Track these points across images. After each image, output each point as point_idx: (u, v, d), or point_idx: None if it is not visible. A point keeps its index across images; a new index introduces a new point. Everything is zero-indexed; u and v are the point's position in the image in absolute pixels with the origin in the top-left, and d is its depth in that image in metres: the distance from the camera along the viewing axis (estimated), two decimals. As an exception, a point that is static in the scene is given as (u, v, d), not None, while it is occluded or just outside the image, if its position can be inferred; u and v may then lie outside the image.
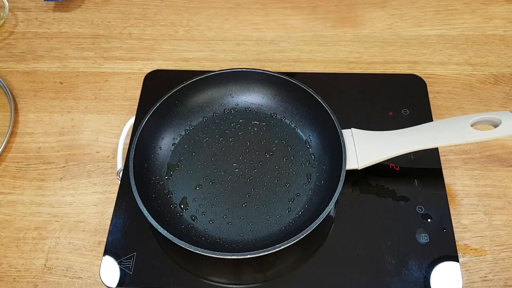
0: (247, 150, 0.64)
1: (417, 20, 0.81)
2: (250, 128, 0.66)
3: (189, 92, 0.65)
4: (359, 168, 0.58)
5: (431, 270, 0.55)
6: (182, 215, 0.59)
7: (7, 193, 0.64)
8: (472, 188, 0.63)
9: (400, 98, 0.69)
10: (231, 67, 0.75)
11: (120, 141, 0.65)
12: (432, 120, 0.66)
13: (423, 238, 0.57)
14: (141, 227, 0.58)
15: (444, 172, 0.62)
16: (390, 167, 0.62)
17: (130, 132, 0.65)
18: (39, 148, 0.68)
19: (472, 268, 0.57)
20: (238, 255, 0.51)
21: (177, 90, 0.63)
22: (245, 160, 0.63)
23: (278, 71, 0.66)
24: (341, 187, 0.54)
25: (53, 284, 0.57)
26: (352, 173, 0.58)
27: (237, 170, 0.62)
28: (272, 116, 0.67)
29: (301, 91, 0.63)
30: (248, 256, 0.50)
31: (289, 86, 0.64)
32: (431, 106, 0.68)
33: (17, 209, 0.63)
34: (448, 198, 0.60)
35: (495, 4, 0.82)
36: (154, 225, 0.52)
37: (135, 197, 0.54)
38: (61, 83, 0.75)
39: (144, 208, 0.53)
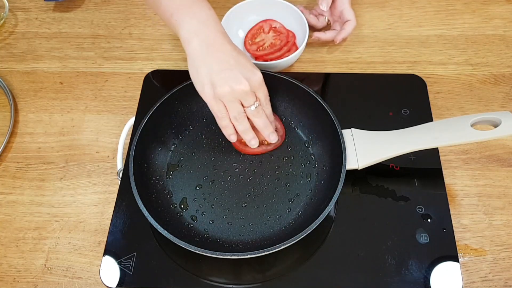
0: (247, 150, 0.64)
1: (417, 20, 0.81)
2: (250, 128, 0.66)
3: (189, 92, 0.64)
4: (359, 168, 0.58)
5: (431, 270, 0.55)
6: (182, 215, 0.59)
7: (7, 193, 0.64)
8: (472, 188, 0.63)
9: (400, 98, 0.69)
10: (231, 67, 0.75)
11: (120, 141, 0.65)
12: (432, 120, 0.66)
13: (423, 238, 0.57)
14: (141, 227, 0.58)
15: (444, 172, 0.62)
16: (390, 167, 0.62)
17: (130, 132, 0.65)
18: (39, 148, 0.68)
19: (472, 268, 0.57)
20: (238, 255, 0.51)
21: (177, 90, 0.63)
22: (245, 160, 0.63)
23: (278, 71, 0.66)
24: (341, 187, 0.54)
25: (53, 284, 0.57)
26: (352, 173, 0.58)
27: (237, 170, 0.62)
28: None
29: (301, 91, 0.63)
30: (248, 256, 0.50)
31: (289, 86, 0.64)
32: (431, 106, 0.68)
33: (17, 209, 0.63)
34: (448, 198, 0.60)
35: (495, 4, 0.82)
36: (154, 225, 0.52)
37: (135, 197, 0.54)
38: (61, 83, 0.75)
39: (144, 208, 0.53)
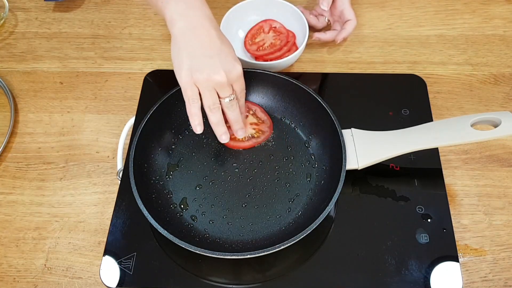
0: (247, 150, 0.64)
1: (417, 20, 0.81)
2: (250, 128, 0.66)
3: (189, 92, 0.65)
4: (359, 168, 0.58)
5: (431, 270, 0.55)
6: (182, 215, 0.59)
7: (7, 193, 0.64)
8: (472, 188, 0.63)
9: (400, 98, 0.69)
10: (231, 67, 0.75)
11: (120, 141, 0.65)
12: (432, 120, 0.66)
13: (423, 238, 0.57)
14: (141, 227, 0.58)
15: (444, 172, 0.62)
16: (390, 167, 0.62)
17: (130, 132, 0.65)
18: (39, 148, 0.68)
19: (472, 268, 0.57)
20: (238, 255, 0.51)
21: (177, 90, 0.63)
22: (245, 160, 0.63)
23: (278, 71, 0.66)
24: (341, 187, 0.54)
25: (53, 284, 0.57)
26: (352, 173, 0.58)
27: (237, 170, 0.62)
28: (272, 116, 0.67)
29: (301, 91, 0.63)
30: (248, 256, 0.50)
31: (289, 86, 0.64)
32: (431, 106, 0.68)
33: (17, 209, 0.63)
34: (448, 198, 0.60)
35: (495, 4, 0.82)
36: (154, 225, 0.52)
37: (135, 197, 0.54)
38: (61, 83, 0.75)
39: (144, 208, 0.53)
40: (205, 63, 0.53)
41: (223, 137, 0.59)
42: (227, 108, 0.57)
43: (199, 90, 0.55)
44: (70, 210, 0.62)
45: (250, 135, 0.64)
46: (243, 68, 0.65)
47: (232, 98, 0.56)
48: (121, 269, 0.55)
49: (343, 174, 0.55)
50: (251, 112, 0.66)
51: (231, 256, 0.51)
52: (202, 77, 0.53)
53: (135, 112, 0.68)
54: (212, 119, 0.57)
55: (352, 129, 0.60)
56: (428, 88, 0.70)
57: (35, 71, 0.76)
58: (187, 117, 0.65)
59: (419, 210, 0.59)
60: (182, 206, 0.59)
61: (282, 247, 0.50)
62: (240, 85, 0.57)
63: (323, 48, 0.77)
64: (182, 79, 0.54)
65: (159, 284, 0.55)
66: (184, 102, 0.64)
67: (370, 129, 0.60)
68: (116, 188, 0.62)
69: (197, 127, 0.57)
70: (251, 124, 0.65)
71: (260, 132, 0.64)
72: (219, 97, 0.56)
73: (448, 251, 0.56)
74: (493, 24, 0.80)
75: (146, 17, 0.83)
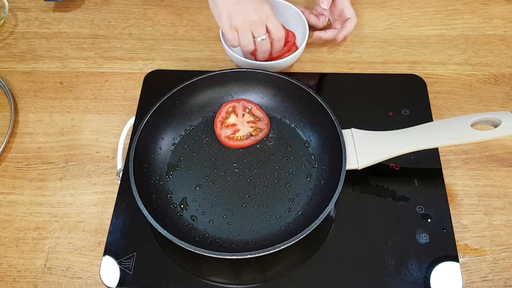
0: (247, 150, 0.64)
1: (417, 20, 0.81)
2: (250, 128, 0.66)
3: (189, 92, 0.65)
4: (359, 168, 0.58)
5: (431, 270, 0.55)
6: (182, 215, 0.59)
7: (7, 193, 0.64)
8: (472, 188, 0.63)
9: (400, 98, 0.69)
10: (231, 67, 0.75)
11: (120, 141, 0.65)
12: (432, 120, 0.66)
13: (423, 238, 0.57)
14: (141, 227, 0.58)
15: (444, 172, 0.62)
16: (390, 167, 0.62)
17: (130, 132, 0.65)
18: (39, 148, 0.68)
19: (472, 268, 0.57)
20: (238, 255, 0.51)
21: (177, 90, 0.63)
22: (245, 160, 0.63)
23: (278, 71, 0.66)
24: (341, 187, 0.54)
25: (53, 284, 0.57)
26: (352, 173, 0.58)
27: (237, 170, 0.62)
28: (272, 116, 0.67)
29: (301, 91, 0.63)
30: (248, 256, 0.50)
31: (289, 86, 0.64)
32: (431, 106, 0.68)
33: (17, 209, 0.63)
34: (448, 198, 0.60)
35: (495, 4, 0.82)
36: (154, 225, 0.52)
37: (135, 197, 0.54)
38: (61, 83, 0.75)
39: (144, 208, 0.53)
40: (239, 9, 0.64)
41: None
42: (260, 45, 0.67)
43: (238, 33, 0.66)
44: (70, 210, 0.62)
45: (248, 134, 0.64)
46: (243, 68, 0.66)
47: (264, 38, 0.66)
48: (121, 269, 0.55)
49: (343, 174, 0.55)
50: (246, 110, 0.66)
51: (231, 256, 0.51)
52: (240, 21, 0.64)
53: (135, 112, 0.68)
54: (246, 54, 0.70)
55: (352, 129, 0.60)
56: (428, 88, 0.70)
57: (35, 71, 0.76)
58: (187, 117, 0.66)
59: (419, 210, 0.59)
60: (182, 206, 0.59)
61: (282, 247, 0.50)
62: (272, 22, 0.66)
63: (323, 48, 0.77)
64: (223, 26, 0.66)
65: (159, 284, 0.55)
66: (184, 102, 0.65)
67: (370, 129, 0.60)
68: (116, 188, 0.62)
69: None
70: (248, 122, 0.65)
71: (257, 130, 0.64)
72: (254, 37, 0.66)
73: (448, 251, 0.56)
74: (493, 24, 0.80)
75: (146, 17, 0.83)
